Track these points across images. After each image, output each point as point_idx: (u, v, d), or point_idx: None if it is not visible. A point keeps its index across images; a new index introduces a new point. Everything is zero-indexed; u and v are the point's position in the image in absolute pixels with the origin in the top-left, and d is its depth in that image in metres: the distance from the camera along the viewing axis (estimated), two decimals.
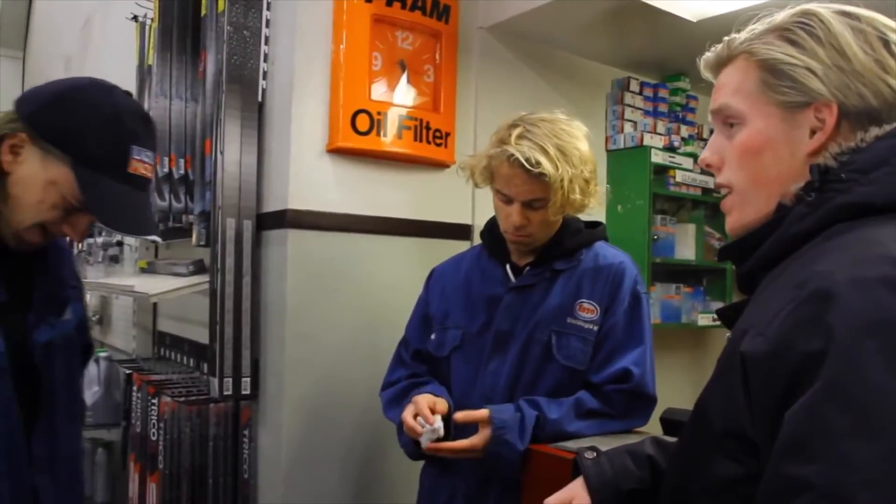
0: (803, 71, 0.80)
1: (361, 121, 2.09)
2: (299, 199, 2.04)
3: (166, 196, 2.39)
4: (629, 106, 2.82)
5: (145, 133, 1.15)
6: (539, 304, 1.59)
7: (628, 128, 2.80)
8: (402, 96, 2.21)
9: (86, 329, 1.40)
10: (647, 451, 1.09)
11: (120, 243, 3.40)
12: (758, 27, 0.85)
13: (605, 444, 1.20)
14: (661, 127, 2.84)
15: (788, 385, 0.68)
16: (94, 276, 3.55)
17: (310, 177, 2.07)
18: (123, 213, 1.13)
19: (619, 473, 1.07)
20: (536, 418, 1.48)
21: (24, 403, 1.14)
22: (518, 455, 1.45)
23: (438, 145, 2.25)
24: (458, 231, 2.34)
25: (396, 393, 1.69)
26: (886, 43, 0.80)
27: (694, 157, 2.82)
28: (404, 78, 2.21)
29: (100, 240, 3.52)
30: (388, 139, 2.15)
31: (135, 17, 2.93)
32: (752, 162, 0.85)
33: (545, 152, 1.48)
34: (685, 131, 2.92)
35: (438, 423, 1.49)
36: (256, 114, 2.14)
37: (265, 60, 2.15)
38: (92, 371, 2.86)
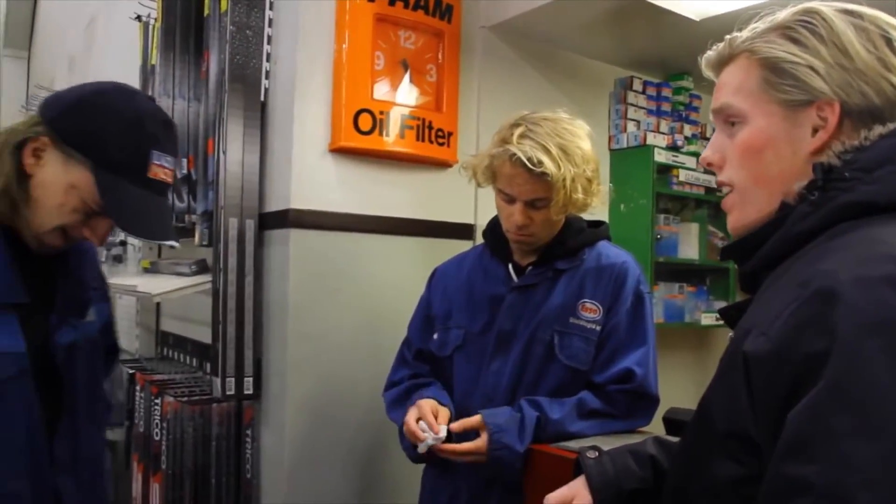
0: (805, 69, 0.80)
1: (364, 120, 2.09)
2: (302, 198, 2.04)
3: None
4: (632, 105, 2.81)
5: (166, 138, 1.16)
6: (541, 304, 1.59)
7: (631, 127, 2.79)
8: (405, 96, 2.20)
9: (111, 331, 1.41)
10: (649, 450, 1.08)
11: (123, 243, 3.40)
12: (760, 25, 0.85)
13: (608, 443, 1.20)
14: (664, 126, 2.84)
15: (792, 385, 0.67)
16: None
17: (312, 176, 2.07)
18: (142, 217, 1.14)
19: (620, 473, 1.06)
20: (537, 419, 1.48)
21: (47, 405, 1.15)
22: (518, 456, 1.45)
23: (441, 145, 2.25)
24: (461, 231, 2.34)
25: (399, 394, 1.69)
26: (889, 41, 0.79)
27: (697, 156, 2.82)
28: (407, 77, 2.21)
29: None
30: (391, 139, 2.15)
31: (138, 17, 2.94)
32: (753, 161, 0.84)
33: (547, 152, 1.47)
34: (688, 130, 2.92)
35: (443, 432, 1.49)
36: (259, 113, 2.14)
37: (268, 60, 2.15)
38: None
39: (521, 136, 1.49)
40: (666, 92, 2.91)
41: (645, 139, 2.72)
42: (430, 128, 2.23)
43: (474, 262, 1.73)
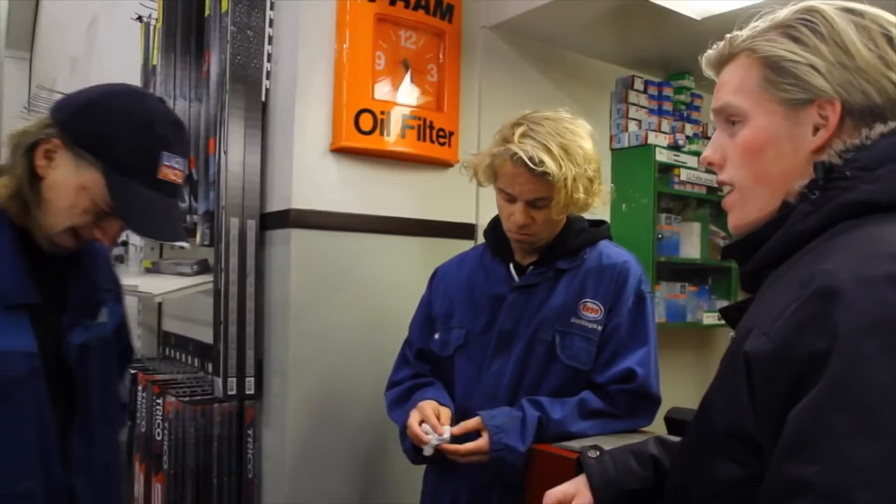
0: (806, 68, 0.80)
1: (365, 120, 2.09)
2: (303, 198, 2.04)
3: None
4: (633, 104, 2.81)
5: (176, 139, 1.17)
6: (543, 304, 1.59)
7: (633, 126, 2.79)
8: (406, 96, 2.20)
9: (125, 332, 1.42)
10: (650, 450, 1.08)
11: (125, 243, 3.40)
12: (760, 24, 0.85)
13: (609, 443, 1.20)
14: (665, 125, 2.83)
15: (793, 385, 0.67)
16: None
17: (313, 176, 2.07)
18: (152, 218, 1.15)
19: (622, 473, 1.06)
20: (539, 419, 1.48)
21: (60, 405, 1.16)
22: (520, 457, 1.44)
23: (442, 144, 2.25)
24: (462, 230, 2.34)
25: (400, 394, 1.69)
26: (890, 39, 0.79)
27: (699, 155, 2.78)
28: (408, 77, 2.21)
29: None
30: (392, 138, 2.15)
31: (139, 18, 2.94)
32: (754, 160, 0.84)
33: (549, 151, 1.47)
34: (690, 130, 2.91)
35: (447, 433, 1.49)
36: (260, 113, 2.14)
37: (269, 60, 2.15)
38: None
39: (523, 135, 1.49)
40: (667, 91, 2.91)
41: (646, 138, 2.72)
42: (431, 127, 2.22)
43: (475, 262, 1.73)
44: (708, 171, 2.76)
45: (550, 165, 1.46)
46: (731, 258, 0.91)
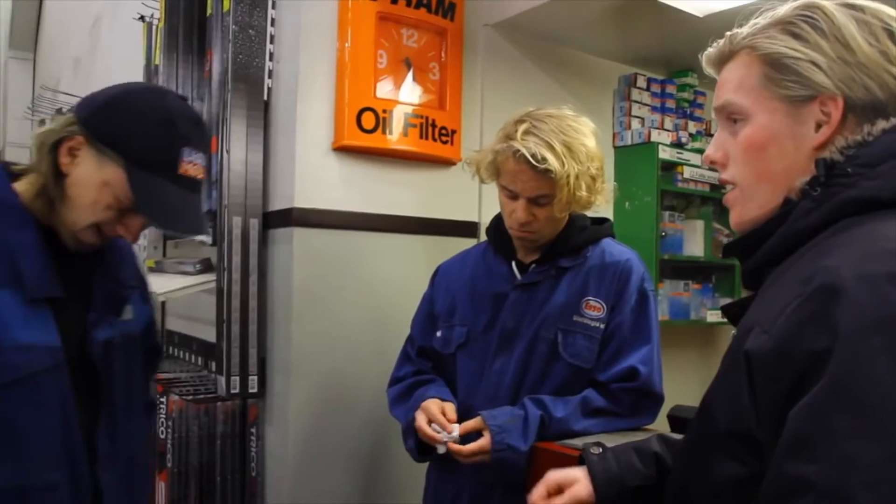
0: (807, 64, 0.79)
1: (367, 119, 2.09)
2: (305, 197, 2.04)
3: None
4: (636, 102, 2.81)
5: (197, 136, 1.19)
6: (545, 302, 1.58)
7: (635, 124, 2.78)
8: (408, 94, 2.20)
9: (153, 333, 1.44)
10: (653, 448, 1.08)
11: None
12: (760, 21, 0.84)
13: (612, 441, 1.19)
14: (668, 123, 2.83)
15: (794, 383, 0.67)
16: None
17: (315, 175, 2.07)
18: (173, 212, 1.17)
19: (624, 470, 1.06)
20: (541, 418, 1.48)
21: (86, 400, 1.18)
22: (522, 456, 1.44)
23: (444, 143, 2.25)
24: (465, 228, 2.34)
25: (401, 391, 1.69)
26: (891, 34, 0.78)
27: (702, 153, 2.78)
28: (410, 76, 2.21)
29: None
30: (394, 137, 2.15)
31: (141, 18, 2.95)
32: (756, 158, 0.84)
33: (551, 148, 1.47)
34: (693, 127, 2.91)
35: (456, 430, 1.49)
36: (262, 112, 2.14)
37: (271, 59, 2.15)
38: None
39: (526, 132, 1.49)
40: (670, 89, 2.90)
41: (649, 136, 2.71)
42: (434, 126, 2.22)
43: (477, 260, 1.72)
44: (711, 169, 2.75)
45: (553, 163, 1.45)
46: (732, 255, 0.90)
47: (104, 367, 1.21)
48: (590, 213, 1.67)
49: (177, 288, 2.29)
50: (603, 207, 1.63)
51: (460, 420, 1.52)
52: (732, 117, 0.86)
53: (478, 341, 1.63)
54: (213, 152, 2.24)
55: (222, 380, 2.06)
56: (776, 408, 0.68)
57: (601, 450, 1.11)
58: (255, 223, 2.10)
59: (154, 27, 2.84)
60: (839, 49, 0.78)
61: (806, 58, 0.79)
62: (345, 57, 2.08)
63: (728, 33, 0.87)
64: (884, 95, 0.78)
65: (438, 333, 1.69)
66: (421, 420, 1.53)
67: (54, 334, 1.12)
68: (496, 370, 1.59)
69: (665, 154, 2.73)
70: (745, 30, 0.85)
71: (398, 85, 2.19)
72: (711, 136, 2.87)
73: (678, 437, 1.05)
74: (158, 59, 2.68)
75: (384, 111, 2.12)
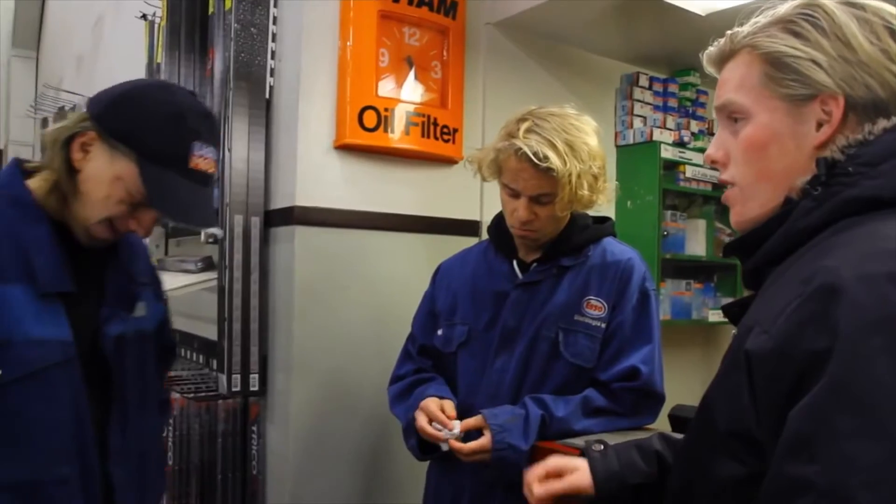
0: (808, 63, 0.79)
1: (369, 117, 2.09)
2: (307, 195, 2.04)
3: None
4: (638, 101, 2.80)
5: (207, 130, 1.20)
6: (546, 301, 1.58)
7: (637, 123, 2.78)
8: (410, 92, 2.20)
9: (167, 332, 1.46)
10: (655, 446, 1.08)
11: None
12: (761, 20, 0.84)
13: (613, 440, 1.19)
14: (670, 122, 2.83)
15: (794, 383, 0.67)
16: None
17: (317, 173, 2.07)
18: (185, 205, 1.18)
19: (625, 467, 1.06)
20: (542, 417, 1.47)
21: (98, 395, 1.19)
22: (523, 455, 1.44)
23: (446, 141, 2.25)
24: (466, 227, 2.33)
25: (402, 389, 1.69)
26: (892, 32, 0.78)
27: (704, 152, 2.79)
28: (412, 74, 2.21)
29: None
30: (396, 135, 2.15)
31: (143, 16, 2.95)
32: (757, 157, 0.83)
33: (553, 147, 1.46)
34: (695, 126, 2.90)
35: (457, 427, 1.49)
36: (264, 111, 2.14)
37: (272, 58, 2.15)
38: None
39: (528, 130, 1.49)
40: (672, 88, 2.90)
41: (651, 135, 2.71)
42: (436, 124, 2.22)
43: (479, 258, 1.72)
44: (713, 168, 2.75)
45: (555, 161, 1.45)
46: (733, 255, 0.90)
47: (116, 362, 1.22)
48: (591, 212, 1.66)
49: (178, 286, 2.29)
50: (605, 206, 1.63)
51: (461, 419, 1.52)
52: (733, 116, 0.86)
53: (479, 340, 1.63)
54: None
55: (223, 378, 2.06)
56: (776, 408, 0.68)
57: (603, 447, 1.11)
58: (256, 221, 2.11)
59: (156, 25, 2.85)
60: (840, 47, 0.78)
61: (807, 56, 0.79)
62: (346, 55, 2.08)
63: (729, 32, 0.87)
64: (885, 94, 0.77)
65: (439, 332, 1.69)
66: (422, 420, 1.53)
67: (66, 329, 1.13)
68: (497, 369, 1.59)
69: (667, 153, 2.72)
70: (745, 28, 0.85)
71: (400, 83, 2.19)
72: (713, 135, 2.87)
73: (679, 436, 1.05)
74: (160, 57, 2.68)
75: (386, 110, 2.12)
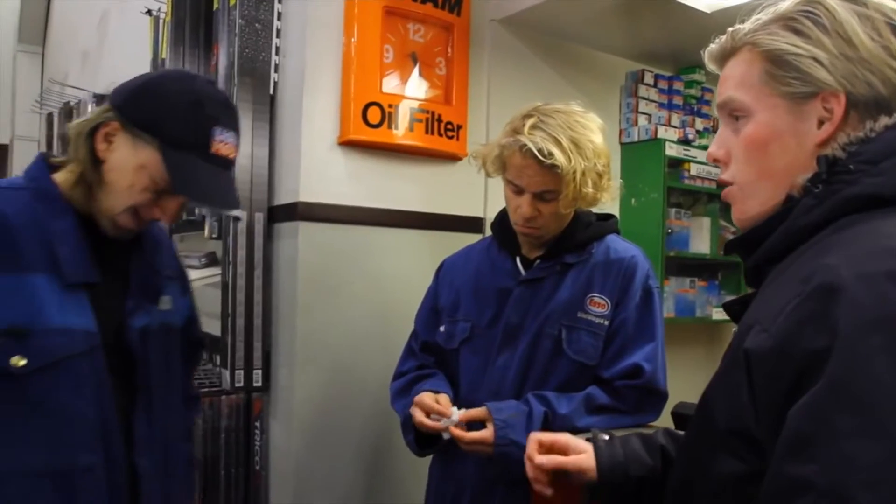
0: (809, 61, 0.78)
1: (373, 113, 2.09)
2: (310, 191, 2.05)
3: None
4: (643, 98, 2.80)
5: (227, 116, 1.22)
6: (549, 298, 1.58)
7: (642, 120, 2.77)
8: (414, 89, 2.20)
9: (194, 327, 1.46)
10: (659, 441, 1.08)
11: None
12: (762, 17, 0.84)
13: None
14: (675, 120, 2.82)
15: (793, 382, 0.66)
16: None
17: (321, 169, 2.07)
18: (207, 189, 1.20)
19: (629, 458, 1.06)
20: (545, 414, 1.48)
21: (123, 386, 1.21)
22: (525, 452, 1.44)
23: (450, 138, 2.25)
24: (470, 224, 2.33)
25: (403, 385, 1.69)
26: (894, 28, 0.77)
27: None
28: (416, 70, 2.21)
29: None
30: (400, 132, 2.15)
31: (148, 12, 2.96)
32: (758, 155, 0.83)
33: (558, 144, 1.46)
34: (700, 124, 2.90)
35: (456, 414, 1.50)
36: (268, 107, 2.15)
37: (277, 53, 2.15)
38: None
39: (533, 126, 1.48)
40: (677, 85, 2.89)
41: (656, 133, 2.70)
42: (440, 121, 2.22)
43: (482, 255, 1.72)
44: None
45: (559, 158, 1.45)
46: (733, 253, 0.90)
47: (141, 353, 1.23)
48: (595, 210, 1.66)
49: None
50: (609, 204, 1.62)
51: None
52: (734, 114, 0.86)
53: (481, 337, 1.63)
54: None
55: (227, 373, 2.07)
56: (775, 406, 0.68)
57: (609, 437, 1.11)
58: (260, 217, 2.11)
59: (161, 21, 2.85)
60: (841, 45, 0.77)
61: (807, 54, 0.79)
62: (351, 51, 2.08)
63: (730, 29, 0.87)
64: (886, 91, 0.77)
65: (442, 328, 1.69)
66: (418, 415, 1.53)
67: (90, 319, 1.15)
68: (500, 366, 1.59)
69: (672, 151, 2.72)
70: (746, 26, 0.85)
71: (404, 80, 2.18)
72: None
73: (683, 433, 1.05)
74: (165, 52, 2.68)
75: (390, 106, 2.12)
